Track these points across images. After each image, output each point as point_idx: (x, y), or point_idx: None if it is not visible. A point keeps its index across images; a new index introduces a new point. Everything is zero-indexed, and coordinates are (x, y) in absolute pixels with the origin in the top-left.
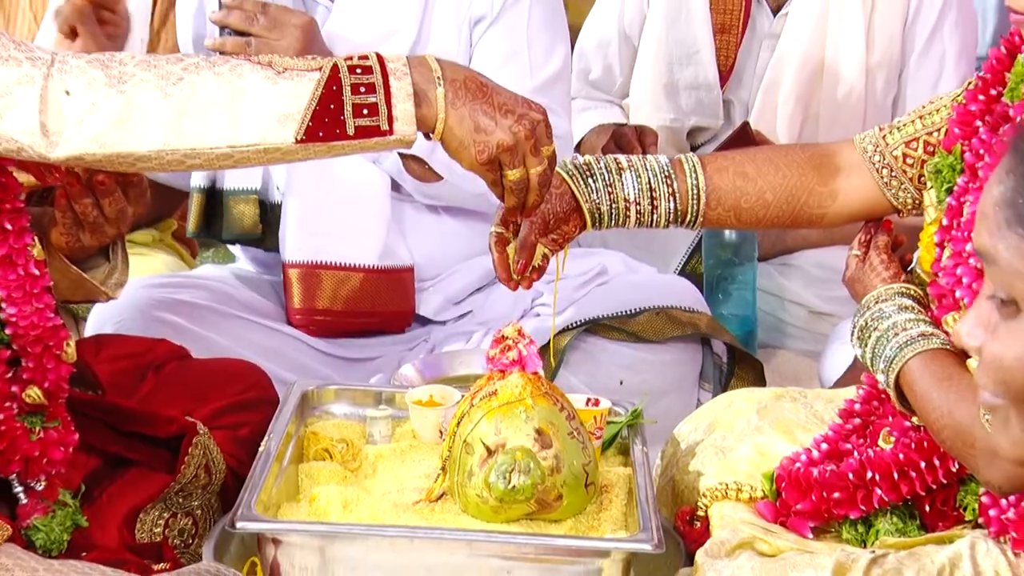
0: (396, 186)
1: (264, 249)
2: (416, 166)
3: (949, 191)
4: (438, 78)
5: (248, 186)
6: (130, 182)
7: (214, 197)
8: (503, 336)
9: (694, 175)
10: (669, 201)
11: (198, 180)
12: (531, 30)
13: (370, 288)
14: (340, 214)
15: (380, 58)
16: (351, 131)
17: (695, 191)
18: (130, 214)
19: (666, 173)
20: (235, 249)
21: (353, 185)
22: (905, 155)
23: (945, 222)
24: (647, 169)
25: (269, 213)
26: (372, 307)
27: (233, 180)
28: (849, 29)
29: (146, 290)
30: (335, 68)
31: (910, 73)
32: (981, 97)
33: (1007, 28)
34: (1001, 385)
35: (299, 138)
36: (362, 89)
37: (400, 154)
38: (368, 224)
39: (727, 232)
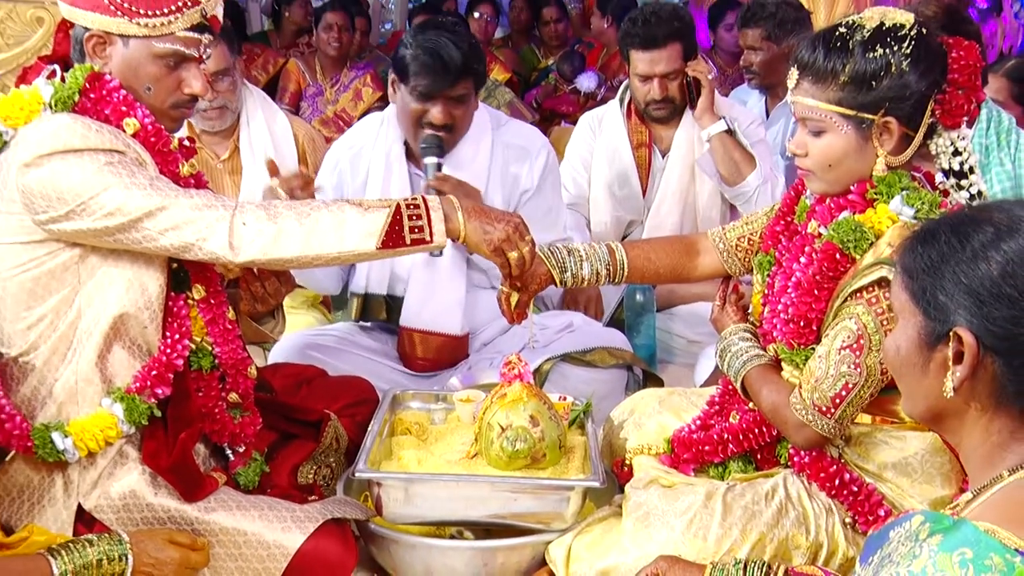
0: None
1: (386, 322)
2: None
3: (768, 274)
4: (457, 208)
5: (383, 292)
6: (281, 272)
7: (367, 299)
8: (510, 360)
9: (621, 259)
10: (606, 274)
11: (359, 289)
12: (553, 194)
13: (449, 345)
14: (439, 302)
15: (424, 199)
16: (408, 242)
17: (621, 266)
18: (283, 292)
19: (606, 260)
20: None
21: (446, 287)
22: (736, 245)
23: (766, 292)
24: (597, 259)
25: (394, 304)
26: (450, 358)
27: (375, 287)
28: (703, 166)
29: (302, 337)
30: (398, 206)
31: None
32: (782, 222)
33: (791, 181)
34: None
35: (378, 247)
36: (414, 217)
37: None
38: (453, 308)
39: (637, 295)
